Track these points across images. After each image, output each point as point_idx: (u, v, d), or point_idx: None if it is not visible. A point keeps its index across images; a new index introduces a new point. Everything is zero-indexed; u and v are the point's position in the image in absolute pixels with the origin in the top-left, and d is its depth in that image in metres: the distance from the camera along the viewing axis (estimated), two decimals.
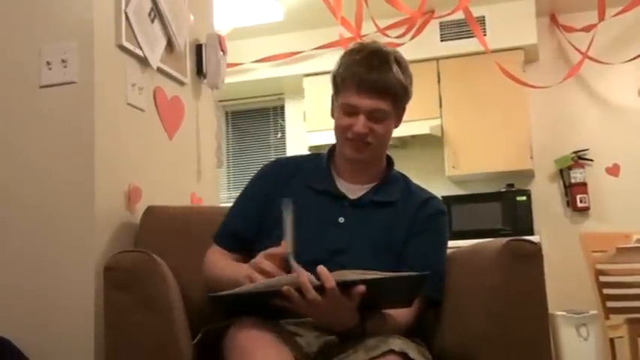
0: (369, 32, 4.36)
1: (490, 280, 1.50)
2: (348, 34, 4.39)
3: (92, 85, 1.92)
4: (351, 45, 1.75)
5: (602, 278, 3.65)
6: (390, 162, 1.79)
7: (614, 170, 4.89)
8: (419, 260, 1.62)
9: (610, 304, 3.62)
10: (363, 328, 1.47)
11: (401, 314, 1.56)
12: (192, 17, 2.45)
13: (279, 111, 5.72)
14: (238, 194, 1.82)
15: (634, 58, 4.54)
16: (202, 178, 2.50)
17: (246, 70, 5.17)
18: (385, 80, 1.61)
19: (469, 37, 4.69)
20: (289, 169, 1.77)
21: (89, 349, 1.81)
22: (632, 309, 3.49)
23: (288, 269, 1.45)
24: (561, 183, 4.96)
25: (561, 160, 4.91)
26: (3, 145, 1.98)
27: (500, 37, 4.73)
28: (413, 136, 4.88)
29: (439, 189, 4.73)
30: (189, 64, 2.44)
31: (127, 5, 2.05)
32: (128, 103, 2.07)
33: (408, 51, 4.40)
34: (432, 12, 4.54)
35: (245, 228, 1.72)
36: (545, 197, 4.96)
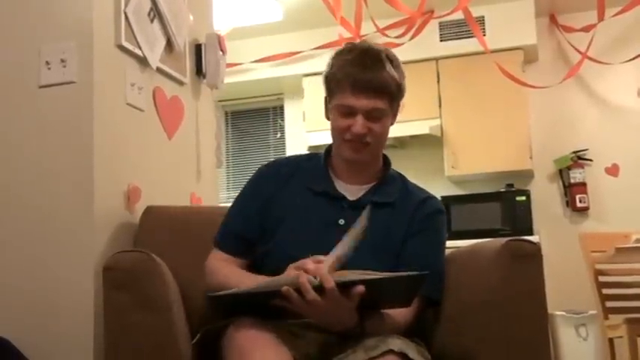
0: (369, 32, 4.37)
1: (489, 280, 1.50)
2: (347, 34, 4.39)
3: (91, 85, 1.92)
4: (342, 45, 1.74)
5: (602, 278, 3.65)
6: (386, 161, 1.78)
7: (613, 170, 4.89)
8: (417, 260, 1.62)
9: (609, 304, 3.62)
10: (362, 328, 1.47)
11: (400, 314, 1.56)
12: (191, 17, 2.45)
13: (278, 111, 5.72)
14: (236, 196, 1.80)
15: (633, 58, 4.54)
16: (202, 178, 2.50)
17: (246, 70, 5.17)
18: (380, 79, 1.60)
19: (468, 37, 4.69)
20: (288, 170, 1.76)
21: (88, 349, 1.81)
22: (632, 309, 3.49)
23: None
24: (561, 183, 4.96)
25: (561, 160, 4.91)
26: (2, 145, 1.98)
27: (499, 37, 4.73)
28: (412, 136, 4.88)
29: (438, 189, 4.73)
30: (188, 64, 2.44)
31: (126, 5, 2.05)
32: (127, 103, 2.07)
33: (408, 51, 4.48)
34: (432, 12, 4.54)
35: (247, 229, 1.71)
36: (545, 197, 4.96)
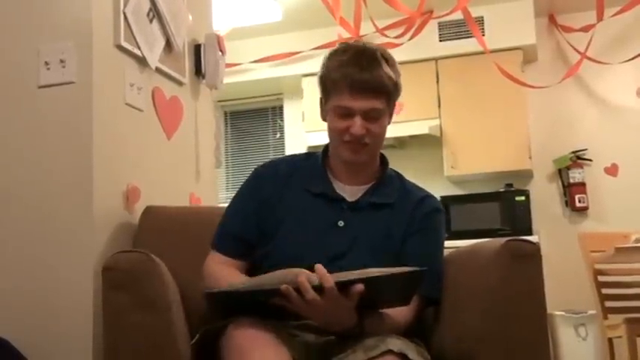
0: (368, 32, 4.37)
1: (489, 280, 1.50)
2: (346, 35, 4.39)
3: (90, 85, 1.92)
4: (336, 45, 1.71)
5: (601, 278, 3.65)
6: (384, 160, 1.77)
7: (612, 170, 4.90)
8: (417, 259, 1.61)
9: (608, 303, 3.62)
10: (362, 328, 1.47)
11: (400, 314, 1.56)
12: (190, 17, 2.45)
13: (277, 111, 5.72)
14: (232, 198, 1.77)
15: (632, 58, 4.55)
16: (201, 178, 2.50)
17: (245, 70, 5.17)
18: (377, 79, 1.59)
19: (468, 37, 4.69)
20: (286, 170, 1.74)
21: (88, 349, 1.81)
22: (631, 309, 3.49)
23: None
24: (560, 183, 4.96)
25: (560, 160, 4.91)
26: (1, 146, 1.97)
27: (498, 37, 4.73)
28: (411, 136, 4.87)
29: (438, 189, 4.73)
30: (187, 64, 2.44)
31: (125, 5, 2.05)
32: (126, 103, 2.07)
33: (407, 51, 4.49)
34: (431, 12, 4.55)
35: (245, 230, 1.69)
36: (544, 197, 4.96)
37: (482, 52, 4.52)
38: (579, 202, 4.83)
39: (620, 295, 3.62)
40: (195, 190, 2.45)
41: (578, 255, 3.77)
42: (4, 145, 1.97)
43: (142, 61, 2.14)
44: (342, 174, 1.71)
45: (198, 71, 2.52)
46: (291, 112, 5.55)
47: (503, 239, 1.53)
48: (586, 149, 4.90)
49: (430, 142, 4.95)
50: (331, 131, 1.67)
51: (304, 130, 5.07)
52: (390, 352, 1.38)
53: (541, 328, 1.50)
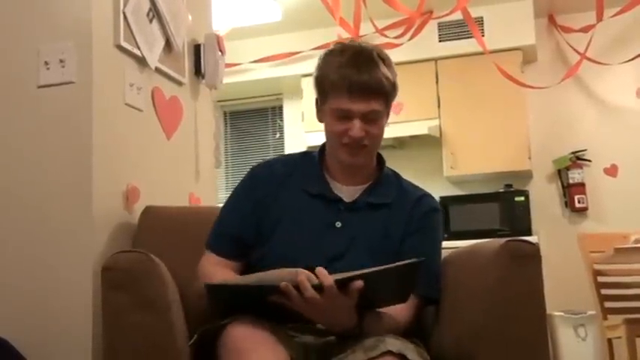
0: (368, 33, 4.37)
1: (488, 281, 1.50)
2: (346, 35, 4.38)
3: (90, 85, 1.92)
4: (331, 46, 1.68)
5: (600, 279, 3.65)
6: (380, 160, 1.75)
7: (612, 171, 4.90)
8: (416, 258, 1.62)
9: (608, 304, 3.62)
10: (361, 328, 1.47)
11: (399, 313, 1.56)
12: (190, 17, 2.45)
13: (277, 111, 5.72)
14: (227, 198, 1.75)
15: (632, 59, 4.55)
16: (200, 178, 2.50)
17: (245, 70, 5.17)
18: (376, 80, 1.57)
19: (467, 37, 4.69)
20: (281, 170, 1.73)
21: (87, 349, 1.81)
22: (630, 309, 3.49)
23: None
24: (559, 183, 4.96)
25: (559, 160, 4.92)
26: (1, 146, 1.97)
27: (498, 37, 4.73)
28: (411, 137, 4.87)
29: (437, 189, 4.73)
30: (187, 64, 2.44)
31: (125, 5, 2.05)
32: (126, 103, 2.07)
33: (407, 51, 4.49)
34: (431, 12, 4.55)
35: (242, 230, 1.68)
36: (544, 198, 4.96)
37: (481, 53, 4.52)
38: (579, 202, 4.83)
39: (619, 295, 3.62)
40: (195, 190, 2.45)
41: (577, 255, 3.77)
42: (4, 145, 1.97)
43: (141, 61, 2.14)
44: (339, 174, 1.70)
45: (197, 71, 2.52)
46: (290, 112, 5.55)
47: (503, 240, 1.52)
48: (585, 150, 4.90)
49: (430, 143, 4.95)
50: (329, 133, 1.65)
51: (304, 130, 5.07)
52: (389, 352, 1.38)
53: (540, 328, 1.50)
